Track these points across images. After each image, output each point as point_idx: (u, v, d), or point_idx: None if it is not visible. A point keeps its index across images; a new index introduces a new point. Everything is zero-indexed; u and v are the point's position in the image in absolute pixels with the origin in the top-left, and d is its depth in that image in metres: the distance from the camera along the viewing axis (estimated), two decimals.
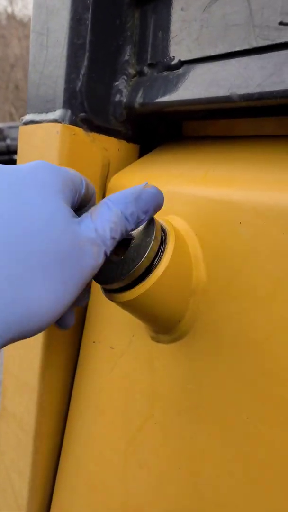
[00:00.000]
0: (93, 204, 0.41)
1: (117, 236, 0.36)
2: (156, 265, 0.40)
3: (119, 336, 0.52)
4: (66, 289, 0.33)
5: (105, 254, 0.35)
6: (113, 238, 0.35)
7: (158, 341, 0.46)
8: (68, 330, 0.60)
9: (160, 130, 0.61)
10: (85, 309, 0.59)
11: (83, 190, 0.38)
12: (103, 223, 0.35)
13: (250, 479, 0.38)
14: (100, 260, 0.35)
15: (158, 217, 0.43)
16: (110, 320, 0.54)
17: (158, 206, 0.39)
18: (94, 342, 0.57)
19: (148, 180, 0.50)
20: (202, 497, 0.42)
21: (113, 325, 0.54)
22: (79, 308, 0.59)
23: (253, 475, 0.38)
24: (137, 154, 0.59)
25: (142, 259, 0.37)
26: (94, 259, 0.34)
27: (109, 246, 0.35)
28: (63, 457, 0.61)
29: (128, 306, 0.41)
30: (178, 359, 0.45)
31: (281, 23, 0.23)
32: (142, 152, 0.60)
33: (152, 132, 0.61)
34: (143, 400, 0.48)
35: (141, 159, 0.57)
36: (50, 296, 0.32)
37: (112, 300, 0.41)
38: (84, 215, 0.36)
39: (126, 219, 0.36)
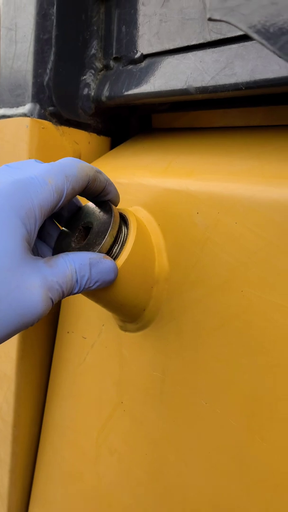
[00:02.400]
0: (108, 192, 0.40)
1: (65, 292, 0.35)
2: (118, 255, 0.41)
3: (90, 326, 0.53)
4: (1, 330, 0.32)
5: (52, 302, 0.34)
6: (62, 292, 0.35)
7: (125, 330, 0.47)
8: (44, 320, 0.61)
9: (132, 123, 0.62)
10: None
11: (62, 200, 0.36)
12: (58, 273, 0.35)
13: (210, 462, 0.39)
14: (46, 306, 0.34)
15: (122, 207, 0.44)
16: (83, 310, 0.55)
17: (109, 282, 0.38)
18: (68, 332, 0.58)
19: (115, 172, 0.51)
20: (166, 481, 0.43)
21: (85, 315, 0.54)
22: None
23: (212, 457, 0.39)
24: (108, 146, 0.60)
25: (99, 248, 0.38)
26: (40, 304, 0.33)
27: (55, 297, 0.34)
28: (41, 446, 0.62)
29: (92, 295, 0.42)
30: (144, 347, 0.46)
31: (209, 19, 0.23)
32: (116, 144, 0.61)
33: (123, 124, 0.61)
34: (113, 388, 0.49)
35: (111, 151, 0.58)
36: None
37: None
38: (40, 261, 0.35)
39: (77, 280, 0.36)
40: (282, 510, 0.35)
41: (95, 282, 0.37)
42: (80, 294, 0.43)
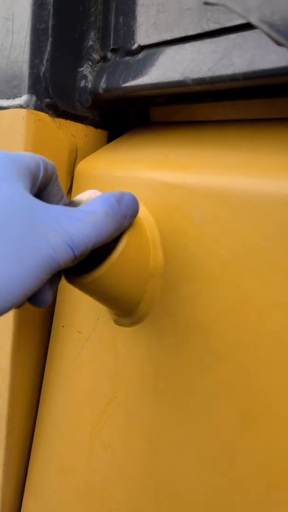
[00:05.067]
0: (55, 184, 0.40)
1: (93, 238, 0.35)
2: (113, 248, 0.40)
3: (85, 320, 0.53)
4: (24, 272, 0.31)
5: (71, 248, 0.33)
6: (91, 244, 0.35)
7: (120, 324, 0.47)
8: (39, 314, 0.60)
9: (130, 117, 0.61)
10: (55, 293, 0.60)
11: (41, 173, 0.37)
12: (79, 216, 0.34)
13: (204, 458, 0.39)
14: (61, 252, 0.33)
15: None
16: (78, 304, 0.55)
17: (135, 212, 0.38)
18: (63, 326, 0.57)
19: (112, 166, 0.51)
20: (160, 476, 0.43)
21: (80, 309, 0.54)
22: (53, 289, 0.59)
23: (206, 454, 0.39)
24: (105, 140, 0.60)
25: None
26: (52, 248, 0.32)
27: (77, 244, 0.34)
28: (35, 440, 0.61)
29: (86, 289, 0.42)
30: (139, 342, 0.45)
31: (205, 3, 0.23)
32: (113, 138, 0.61)
33: (121, 118, 0.61)
34: (107, 383, 0.49)
35: (108, 144, 0.58)
36: (5, 275, 0.31)
37: (71, 284, 0.42)
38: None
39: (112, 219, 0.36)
40: (275, 507, 0.34)
41: (125, 218, 0.38)
42: (73, 287, 0.43)
